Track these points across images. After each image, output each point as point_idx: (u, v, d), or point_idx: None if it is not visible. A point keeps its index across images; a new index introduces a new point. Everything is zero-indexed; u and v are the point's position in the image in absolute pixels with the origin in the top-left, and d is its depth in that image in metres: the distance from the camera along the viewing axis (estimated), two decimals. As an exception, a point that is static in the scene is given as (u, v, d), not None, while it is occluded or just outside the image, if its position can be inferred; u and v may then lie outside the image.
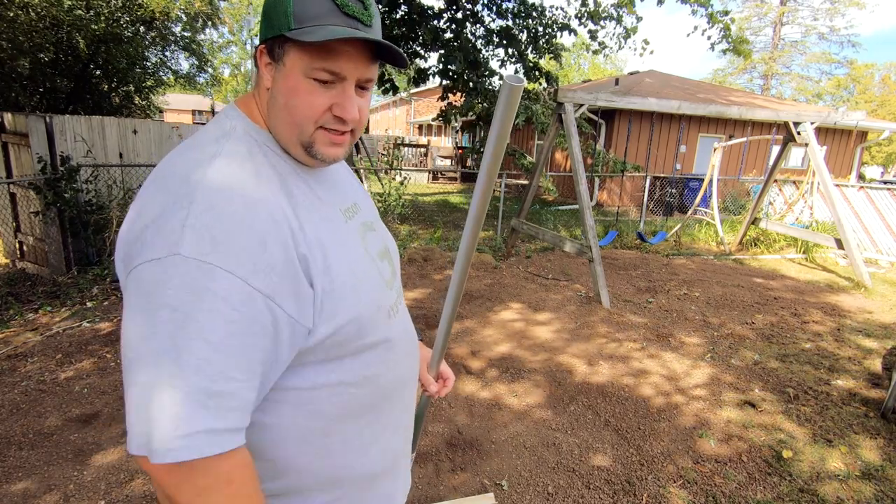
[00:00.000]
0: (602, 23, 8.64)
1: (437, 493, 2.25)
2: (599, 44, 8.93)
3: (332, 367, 0.74)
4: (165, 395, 0.57)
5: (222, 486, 0.61)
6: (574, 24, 8.71)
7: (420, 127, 27.44)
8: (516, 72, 8.77)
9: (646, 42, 9.19)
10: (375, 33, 0.71)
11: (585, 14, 8.51)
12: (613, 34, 8.95)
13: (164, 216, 0.61)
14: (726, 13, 8.39)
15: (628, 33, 8.77)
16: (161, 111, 19.51)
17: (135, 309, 0.60)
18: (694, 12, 8.23)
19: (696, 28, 8.75)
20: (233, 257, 0.60)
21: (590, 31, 8.74)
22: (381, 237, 0.90)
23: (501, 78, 8.44)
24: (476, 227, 0.75)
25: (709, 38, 8.61)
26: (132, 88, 12.27)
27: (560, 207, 11.59)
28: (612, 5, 8.52)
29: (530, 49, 8.51)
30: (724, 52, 8.71)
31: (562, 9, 8.78)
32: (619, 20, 8.62)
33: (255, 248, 0.62)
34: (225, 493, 0.61)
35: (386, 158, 16.07)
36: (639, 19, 8.69)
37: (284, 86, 0.70)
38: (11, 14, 8.08)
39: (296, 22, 0.67)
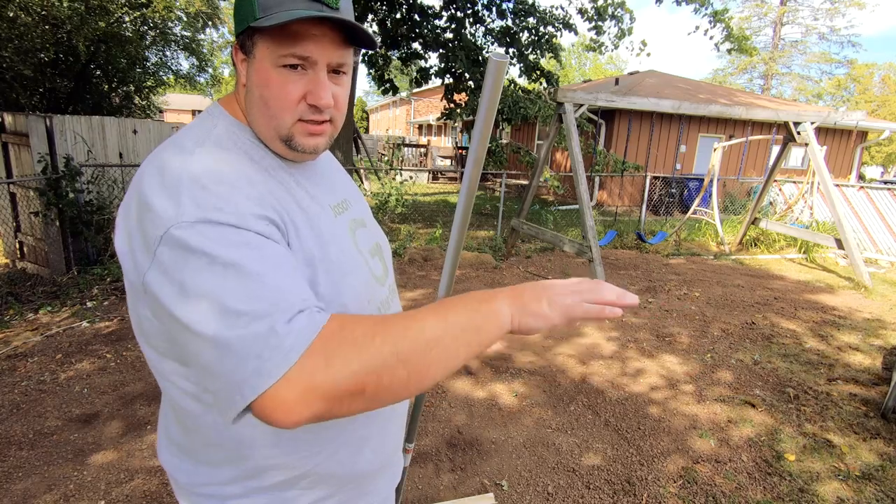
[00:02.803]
0: (606, 20, 8.68)
1: (437, 493, 2.25)
2: (595, 42, 8.96)
3: None
4: (226, 346, 0.55)
5: (343, 339, 0.58)
6: (577, 20, 8.73)
7: (420, 127, 27.43)
8: (520, 75, 8.79)
9: (644, 43, 9.23)
10: (343, 16, 0.70)
11: (592, 10, 8.52)
12: (610, 33, 8.99)
13: (158, 203, 0.61)
14: (725, 11, 8.41)
15: (623, 33, 8.81)
16: (161, 111, 19.52)
17: (166, 287, 0.59)
18: (696, 11, 8.24)
19: (697, 28, 8.76)
20: (234, 207, 0.62)
21: (596, 28, 8.75)
22: (372, 234, 0.90)
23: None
24: (471, 192, 0.76)
25: (711, 37, 8.62)
26: (132, 88, 12.26)
27: (560, 207, 11.59)
28: (611, 4, 8.55)
29: (530, 49, 8.52)
30: (728, 51, 8.70)
31: (562, 7, 8.79)
32: (619, 19, 8.65)
33: (256, 203, 0.64)
34: (348, 342, 0.58)
35: (386, 158, 16.08)
36: (633, 20, 8.72)
37: (257, 78, 0.71)
38: (11, 14, 8.07)
39: (261, 10, 0.67)
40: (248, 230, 0.61)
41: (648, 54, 9.43)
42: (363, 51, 0.78)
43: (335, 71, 0.73)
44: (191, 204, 0.60)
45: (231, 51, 0.76)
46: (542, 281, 0.67)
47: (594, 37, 8.93)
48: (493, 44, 8.68)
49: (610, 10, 8.57)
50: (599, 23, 8.66)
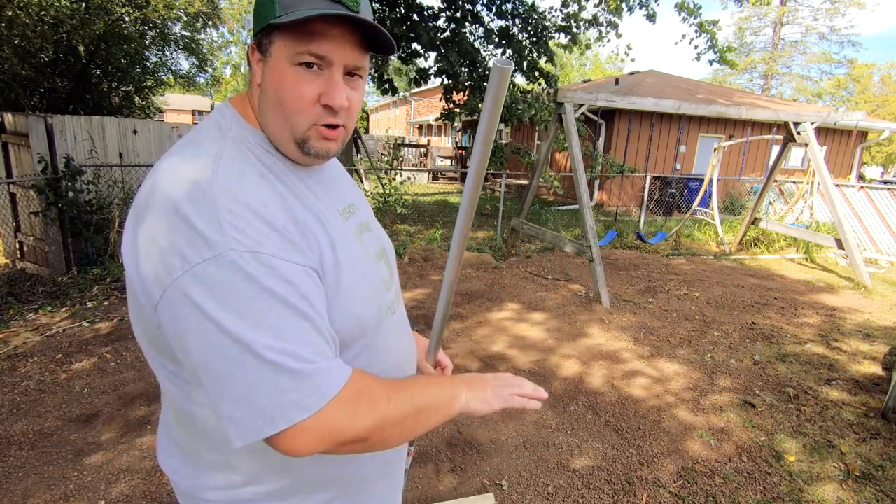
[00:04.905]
0: (584, 25, 8.80)
1: (437, 493, 2.25)
2: (570, 41, 9.08)
3: None
4: (273, 374, 0.60)
5: (363, 397, 0.68)
6: (570, 23, 8.79)
7: (420, 127, 27.43)
8: (515, 72, 8.79)
9: (629, 47, 9.37)
10: (363, 18, 0.70)
11: (570, 17, 8.64)
12: (590, 36, 9.12)
13: (193, 220, 0.60)
14: (714, 23, 8.45)
15: (601, 35, 8.93)
16: (161, 111, 19.51)
17: (205, 310, 0.59)
18: (684, 20, 8.31)
19: (684, 36, 8.81)
20: (275, 243, 0.64)
21: (571, 35, 8.85)
22: (377, 237, 0.89)
23: None
24: (472, 202, 0.75)
25: (696, 47, 8.67)
26: (132, 88, 12.27)
27: (560, 207, 11.59)
28: (598, 7, 8.63)
29: (527, 50, 8.53)
30: (710, 62, 8.80)
31: (561, 10, 8.82)
32: (607, 24, 8.76)
33: (290, 232, 0.66)
34: (367, 399, 0.68)
35: (386, 158, 16.08)
36: (615, 26, 8.83)
37: (272, 77, 0.70)
38: (10, 14, 8.07)
39: (280, 9, 0.67)
40: (291, 263, 0.64)
41: (633, 59, 9.58)
42: None
43: (351, 74, 0.72)
44: (235, 231, 0.61)
45: (247, 51, 0.75)
46: (484, 375, 0.87)
47: (565, 38, 9.03)
48: (491, 45, 8.68)
49: (596, 14, 8.71)
50: (576, 30, 8.75)
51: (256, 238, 0.62)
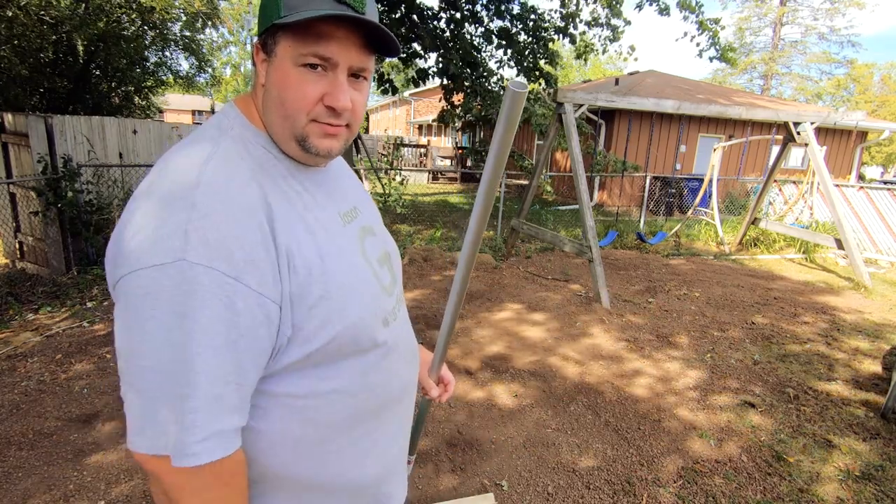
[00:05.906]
0: (583, 27, 8.74)
1: (437, 493, 2.25)
2: (586, 46, 8.99)
3: (327, 375, 0.73)
4: (180, 401, 0.59)
5: (221, 485, 0.64)
6: (570, 27, 8.76)
7: (420, 127, 27.43)
8: (518, 74, 8.79)
9: (632, 48, 9.32)
10: (369, 19, 0.69)
11: (568, 17, 8.59)
12: (601, 37, 9.03)
13: (163, 220, 0.60)
14: (716, 21, 8.42)
15: (616, 36, 8.86)
16: (161, 111, 19.51)
17: (137, 315, 0.59)
18: (685, 18, 8.29)
19: (685, 34, 8.77)
20: (237, 263, 0.61)
21: (569, 36, 8.79)
22: (381, 242, 0.88)
23: (500, 78, 8.47)
24: (479, 231, 0.74)
25: (697, 44, 8.64)
26: (132, 88, 12.27)
27: (560, 207, 11.59)
28: (601, 5, 8.58)
29: (528, 51, 8.52)
30: (711, 59, 8.78)
31: (559, 11, 8.82)
32: (606, 24, 8.70)
33: (256, 254, 0.63)
34: (222, 491, 0.64)
35: (386, 158, 16.09)
36: (627, 23, 8.75)
37: (276, 77, 0.69)
38: (10, 14, 8.07)
39: (286, 9, 0.66)
40: (245, 287, 0.62)
41: (636, 59, 9.50)
42: None
43: (355, 75, 0.72)
44: (198, 241, 0.59)
45: (252, 51, 0.75)
46: None
47: (577, 44, 8.95)
48: (491, 45, 8.68)
49: (599, 14, 8.64)
50: (573, 30, 8.70)
51: (218, 252, 0.60)
